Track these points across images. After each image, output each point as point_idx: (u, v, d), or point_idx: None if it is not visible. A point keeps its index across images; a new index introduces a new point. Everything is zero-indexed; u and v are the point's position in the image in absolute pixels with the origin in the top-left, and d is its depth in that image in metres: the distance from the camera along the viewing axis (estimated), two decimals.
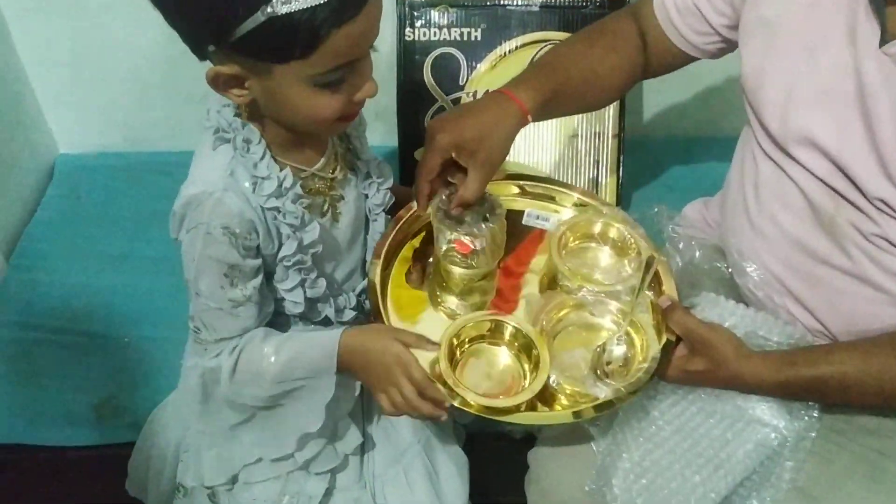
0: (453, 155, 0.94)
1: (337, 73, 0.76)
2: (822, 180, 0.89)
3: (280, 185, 0.85)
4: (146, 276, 1.40)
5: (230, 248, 0.82)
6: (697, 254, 1.04)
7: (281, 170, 0.86)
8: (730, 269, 1.04)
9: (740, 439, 0.93)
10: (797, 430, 0.94)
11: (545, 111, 1.00)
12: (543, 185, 1.11)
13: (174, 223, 0.86)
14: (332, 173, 0.94)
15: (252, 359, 0.87)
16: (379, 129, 1.56)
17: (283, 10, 0.69)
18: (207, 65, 0.79)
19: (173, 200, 1.52)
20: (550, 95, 0.99)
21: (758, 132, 0.98)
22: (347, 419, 0.99)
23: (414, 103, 1.42)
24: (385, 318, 0.94)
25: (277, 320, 0.94)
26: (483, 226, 0.95)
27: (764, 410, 0.94)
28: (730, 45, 1.04)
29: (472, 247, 0.94)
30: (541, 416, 0.90)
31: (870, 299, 0.90)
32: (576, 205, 1.10)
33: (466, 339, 0.92)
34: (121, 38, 1.50)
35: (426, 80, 1.40)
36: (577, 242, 1.04)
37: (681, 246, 1.03)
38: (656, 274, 0.98)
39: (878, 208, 0.85)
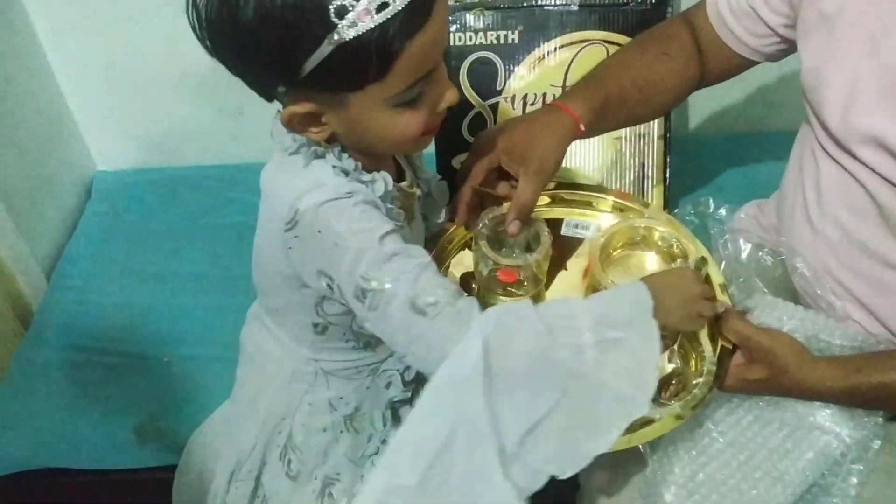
0: (503, 163, 0.91)
1: (415, 88, 0.72)
2: (889, 181, 0.84)
3: (386, 187, 0.80)
4: (185, 294, 1.38)
5: (385, 218, 0.76)
6: (743, 254, 0.99)
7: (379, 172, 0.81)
8: (779, 272, 0.99)
9: (800, 449, 0.89)
10: (860, 437, 0.89)
11: (599, 120, 0.97)
12: (578, 191, 1.07)
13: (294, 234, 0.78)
14: (413, 189, 0.89)
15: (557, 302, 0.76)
16: None
17: (351, 34, 0.65)
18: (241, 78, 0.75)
19: (209, 215, 1.52)
20: (602, 103, 0.97)
21: (818, 131, 0.93)
22: None
23: (451, 109, 1.37)
24: None
25: (339, 345, 0.90)
26: (528, 256, 0.90)
27: (826, 416, 0.89)
28: (790, 46, 0.98)
29: (517, 277, 0.90)
30: None
31: None
32: (615, 208, 1.05)
33: None
34: (154, 53, 1.49)
35: (462, 86, 1.36)
36: (619, 251, 0.99)
37: (727, 244, 0.99)
38: (707, 278, 0.93)
39: None
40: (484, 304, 0.93)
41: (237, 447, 1.00)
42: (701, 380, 0.86)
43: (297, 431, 0.95)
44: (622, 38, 1.34)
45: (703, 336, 0.89)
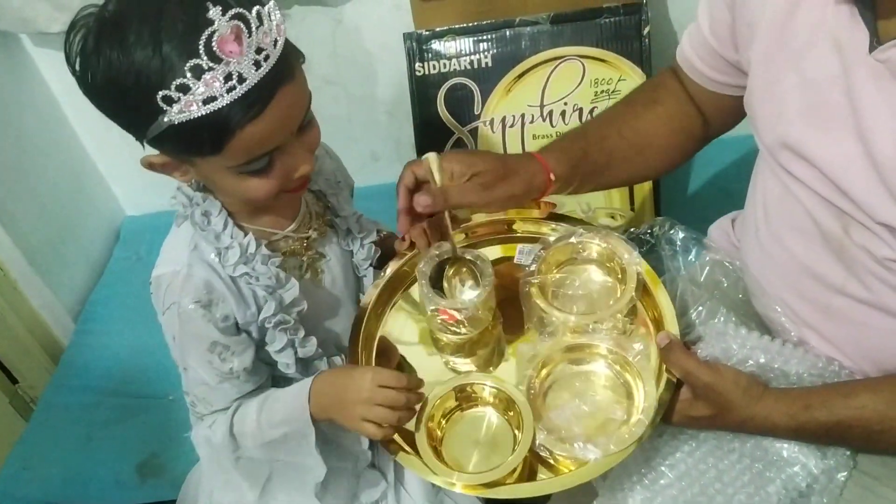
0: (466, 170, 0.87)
1: (259, 161, 0.75)
2: (826, 199, 0.79)
3: (244, 252, 0.84)
4: None
5: (207, 324, 0.82)
6: (701, 276, 0.94)
7: (245, 235, 0.85)
8: (741, 292, 0.95)
9: (760, 481, 0.85)
10: (827, 468, 0.84)
11: (578, 173, 0.94)
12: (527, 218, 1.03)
13: (156, 307, 0.87)
14: (307, 233, 0.92)
15: (243, 419, 0.88)
16: (401, 163, 1.53)
17: (180, 118, 0.68)
18: None
19: None
20: (580, 156, 0.93)
21: (761, 147, 0.88)
22: (368, 472, 0.97)
23: (432, 137, 1.39)
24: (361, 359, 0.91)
25: (277, 384, 0.93)
26: (467, 298, 0.89)
27: (791, 448, 0.84)
28: None
29: (458, 317, 0.89)
30: (532, 488, 0.82)
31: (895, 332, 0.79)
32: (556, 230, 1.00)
33: (442, 415, 0.87)
34: None
35: (441, 114, 1.37)
36: (559, 269, 0.96)
37: (681, 268, 0.95)
38: (655, 305, 0.90)
39: (889, 229, 0.74)
40: (435, 342, 0.94)
41: (208, 484, 1.04)
42: (640, 417, 0.83)
43: None
44: (597, 52, 1.31)
45: (647, 372, 0.86)
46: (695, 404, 0.83)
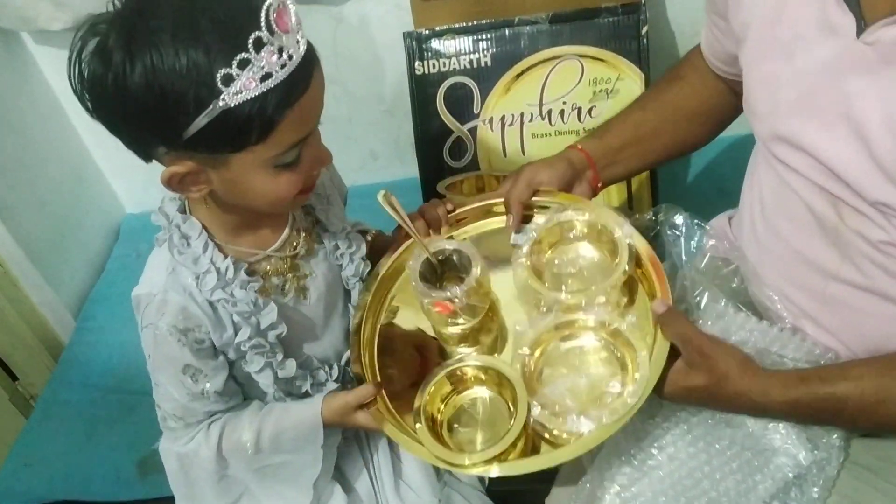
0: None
1: (294, 150, 0.75)
2: (820, 186, 0.80)
3: (222, 277, 0.83)
4: None
5: (181, 348, 0.83)
6: (702, 263, 0.95)
7: (225, 258, 0.84)
8: (737, 282, 0.95)
9: (748, 469, 0.85)
10: (816, 460, 0.85)
11: (618, 156, 1.04)
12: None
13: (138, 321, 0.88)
14: (294, 250, 0.91)
15: (234, 432, 0.89)
16: (400, 162, 1.56)
17: (236, 101, 0.68)
18: None
19: None
20: (618, 139, 1.03)
21: (758, 140, 0.90)
22: (329, 484, 0.98)
23: (431, 136, 1.39)
24: (365, 369, 0.91)
25: (257, 393, 0.94)
26: (457, 289, 0.89)
27: (780, 438, 0.85)
28: None
29: (452, 308, 0.90)
30: (530, 463, 0.82)
31: (892, 317, 0.80)
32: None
33: (440, 400, 0.88)
34: None
35: (440, 113, 1.38)
36: (552, 250, 0.97)
37: (681, 253, 0.96)
38: (648, 277, 0.91)
39: (882, 211, 0.75)
40: (439, 336, 0.95)
41: None
42: (633, 388, 0.83)
43: None
44: (596, 51, 1.32)
45: (641, 343, 0.85)
46: (690, 374, 0.83)
